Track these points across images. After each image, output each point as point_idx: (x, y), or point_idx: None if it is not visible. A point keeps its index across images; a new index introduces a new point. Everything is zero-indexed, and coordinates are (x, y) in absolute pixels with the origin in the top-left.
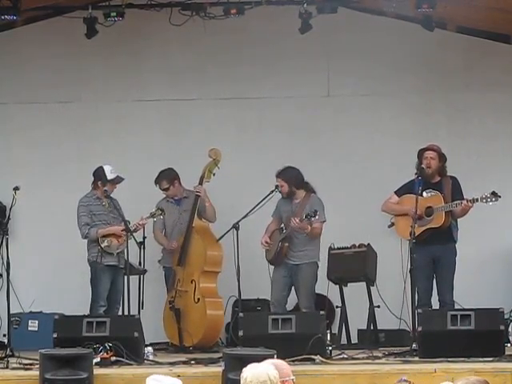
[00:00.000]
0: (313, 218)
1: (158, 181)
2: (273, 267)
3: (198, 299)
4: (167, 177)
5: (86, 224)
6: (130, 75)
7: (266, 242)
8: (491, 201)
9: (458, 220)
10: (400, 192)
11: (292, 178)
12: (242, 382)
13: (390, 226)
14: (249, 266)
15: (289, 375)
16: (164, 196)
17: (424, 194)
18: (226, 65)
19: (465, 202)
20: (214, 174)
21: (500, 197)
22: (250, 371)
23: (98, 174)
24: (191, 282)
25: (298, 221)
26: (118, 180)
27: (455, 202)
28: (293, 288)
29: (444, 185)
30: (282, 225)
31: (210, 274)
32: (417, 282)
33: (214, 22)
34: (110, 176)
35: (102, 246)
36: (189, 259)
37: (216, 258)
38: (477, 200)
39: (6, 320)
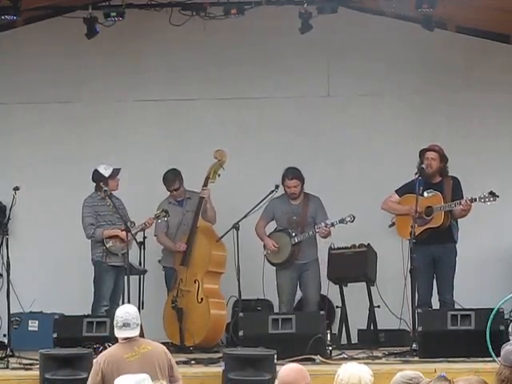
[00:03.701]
0: (350, 223)
1: (169, 182)
2: (273, 269)
3: (202, 299)
4: (177, 177)
5: (91, 224)
6: (129, 75)
7: (275, 246)
8: (489, 200)
9: (459, 220)
10: (401, 191)
11: (303, 178)
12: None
13: (390, 226)
14: (249, 266)
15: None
16: (165, 198)
17: (425, 194)
18: (226, 65)
19: (463, 201)
20: (218, 175)
21: (498, 196)
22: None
23: (96, 176)
24: (194, 281)
25: (326, 228)
26: (115, 173)
27: (454, 202)
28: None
29: (445, 185)
30: (277, 225)
31: (214, 275)
32: (417, 282)
33: (214, 21)
34: (106, 173)
35: (107, 246)
36: (193, 259)
37: (220, 259)
38: (475, 200)
39: (6, 320)
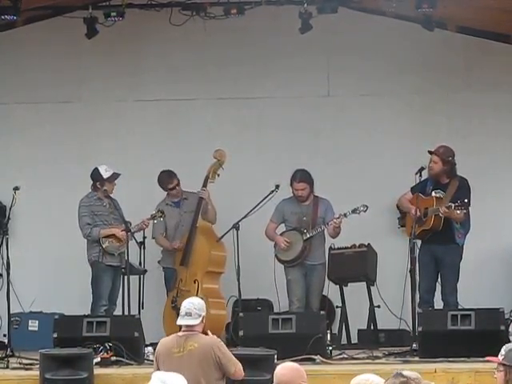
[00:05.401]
0: (363, 213)
1: (165, 180)
2: (276, 269)
3: (201, 299)
4: (174, 175)
5: (88, 224)
6: (129, 75)
7: (286, 242)
8: (461, 209)
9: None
10: (414, 190)
11: (312, 181)
12: None
13: (400, 223)
14: (249, 266)
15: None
16: (162, 199)
17: (433, 194)
18: (226, 64)
19: (441, 208)
20: (218, 175)
21: (469, 205)
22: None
23: (95, 175)
24: (194, 281)
25: (339, 219)
26: (114, 177)
27: (437, 207)
28: None
29: (450, 186)
30: (286, 226)
31: (214, 275)
32: (419, 281)
33: (215, 21)
34: (105, 175)
35: (104, 246)
36: (192, 259)
37: (220, 259)
38: (451, 207)
39: (6, 320)
